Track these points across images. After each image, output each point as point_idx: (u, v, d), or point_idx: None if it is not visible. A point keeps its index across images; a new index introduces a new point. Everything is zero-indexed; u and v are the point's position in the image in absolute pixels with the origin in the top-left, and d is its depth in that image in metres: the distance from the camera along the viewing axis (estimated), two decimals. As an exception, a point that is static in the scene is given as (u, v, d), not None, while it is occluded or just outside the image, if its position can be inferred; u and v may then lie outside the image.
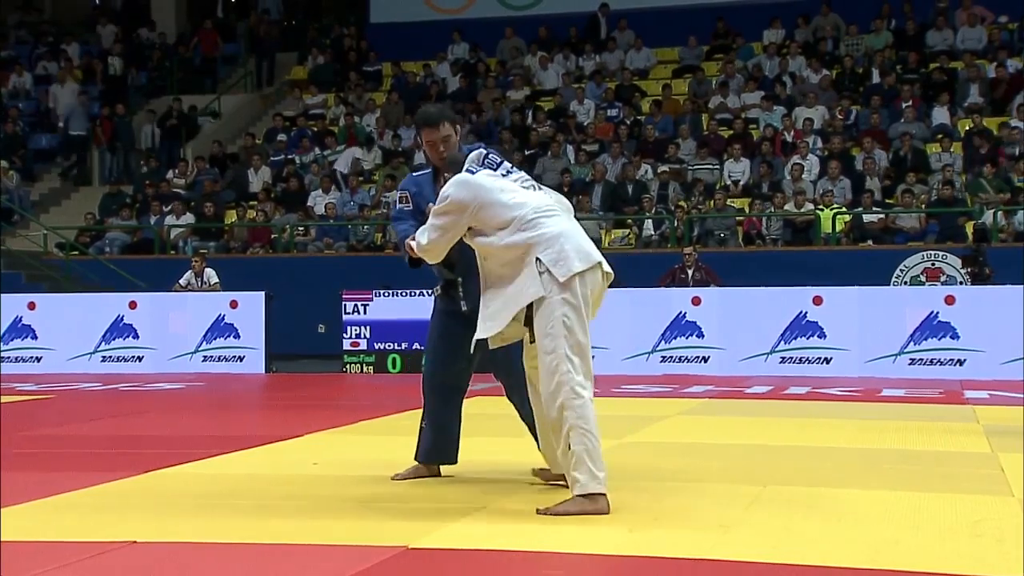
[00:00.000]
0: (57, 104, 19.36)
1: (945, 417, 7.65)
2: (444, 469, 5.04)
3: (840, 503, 4.41)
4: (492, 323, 4.29)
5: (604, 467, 4.18)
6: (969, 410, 8.04)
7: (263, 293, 12.72)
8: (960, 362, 10.93)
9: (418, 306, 11.86)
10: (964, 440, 6.37)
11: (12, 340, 12.99)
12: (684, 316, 11.62)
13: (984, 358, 10.79)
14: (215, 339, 12.65)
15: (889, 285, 12.81)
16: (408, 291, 12.02)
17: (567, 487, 4.29)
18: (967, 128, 15.74)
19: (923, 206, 14.44)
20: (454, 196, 4.35)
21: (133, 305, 12.86)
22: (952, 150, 15.28)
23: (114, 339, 12.80)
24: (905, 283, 12.95)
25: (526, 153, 16.76)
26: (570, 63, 19.08)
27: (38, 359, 12.89)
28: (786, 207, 14.60)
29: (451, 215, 4.35)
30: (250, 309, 12.62)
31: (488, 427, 6.23)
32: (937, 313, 11.05)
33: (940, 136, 15.61)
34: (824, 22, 18.53)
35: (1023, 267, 11.83)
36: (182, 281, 13.25)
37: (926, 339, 11.05)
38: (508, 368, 4.70)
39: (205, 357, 12.65)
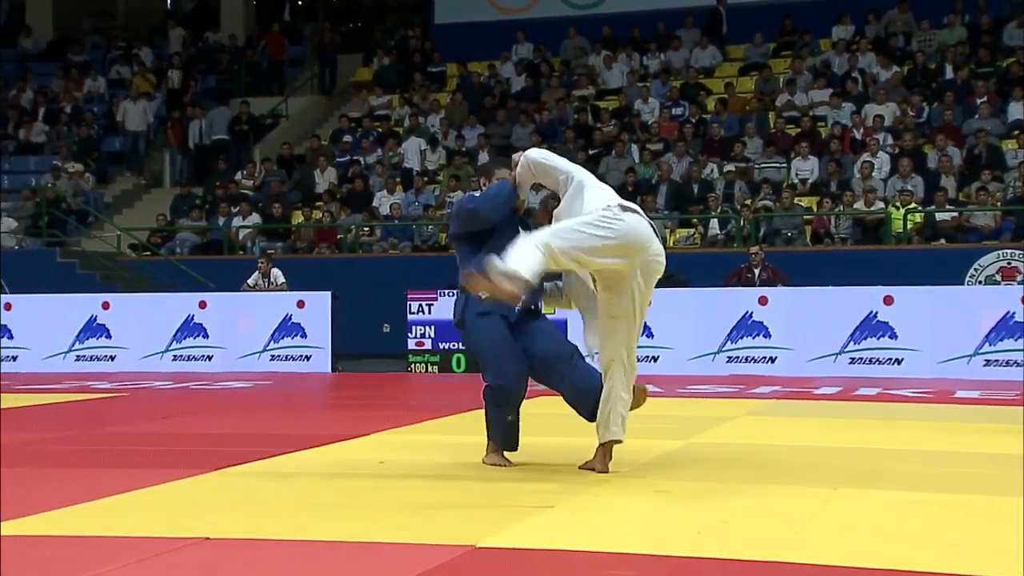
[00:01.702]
0: (125, 119, 19.62)
1: (1021, 420, 7.45)
2: (515, 468, 5.24)
3: (912, 506, 4.32)
4: None
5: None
6: (1047, 413, 7.82)
7: (329, 293, 12.84)
8: (1038, 363, 10.66)
9: (483, 306, 11.89)
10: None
11: (87, 339, 13.28)
12: (751, 316, 11.49)
13: (1062, 359, 10.51)
14: (282, 338, 12.81)
15: (963, 285, 12.53)
16: (473, 291, 12.04)
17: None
18: (1045, 124, 15.35)
19: (998, 204, 14.10)
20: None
21: (203, 305, 13.08)
22: (1029, 146, 14.91)
23: (185, 338, 13.02)
24: (980, 283, 12.66)
25: (590, 153, 16.71)
26: (634, 62, 18.98)
27: (112, 358, 13.16)
28: (855, 206, 14.36)
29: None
30: (316, 309, 12.75)
31: (555, 427, 6.22)
32: (1013, 313, 10.78)
33: (1016, 132, 15.23)
34: (895, 17, 18.19)
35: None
36: (250, 281, 13.43)
37: (1002, 340, 10.78)
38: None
39: (273, 356, 12.81)
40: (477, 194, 5.41)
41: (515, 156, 5.25)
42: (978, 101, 15.77)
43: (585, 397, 5.12)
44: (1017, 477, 5.12)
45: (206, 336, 12.97)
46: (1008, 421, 7.39)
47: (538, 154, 5.17)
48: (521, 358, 5.17)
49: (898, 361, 11.04)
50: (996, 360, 10.79)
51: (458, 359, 12.16)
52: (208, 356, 12.93)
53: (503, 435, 5.28)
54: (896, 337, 11.07)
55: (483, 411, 5.34)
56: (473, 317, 5.20)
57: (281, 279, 13.41)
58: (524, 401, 5.32)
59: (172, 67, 20.86)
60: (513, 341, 5.17)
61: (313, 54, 21.64)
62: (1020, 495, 4.58)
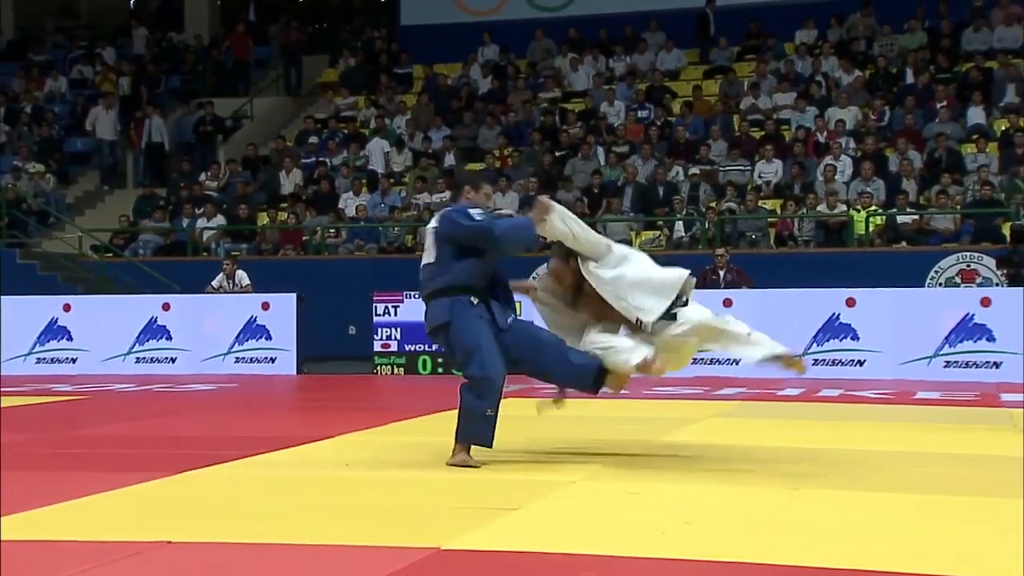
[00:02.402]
0: (96, 127, 19.26)
1: (981, 420, 7.57)
2: (480, 470, 5.23)
3: (874, 506, 4.37)
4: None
5: None
6: (1005, 413, 7.95)
7: (294, 295, 12.79)
8: (996, 364, 10.80)
9: (449, 308, 11.88)
10: (999, 444, 6.30)
11: (48, 341, 13.13)
12: (715, 318, 11.54)
13: (1021, 360, 10.64)
14: (247, 340, 12.74)
15: (924, 287, 12.69)
16: (439, 293, 12.03)
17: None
18: (1003, 128, 15.57)
19: (958, 207, 14.30)
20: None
21: (166, 307, 12.98)
22: (988, 151, 15.12)
23: (148, 340, 12.91)
24: (940, 285, 12.82)
25: (556, 155, 16.76)
26: (600, 64, 19.05)
27: (73, 360, 13.02)
28: (819, 208, 14.49)
29: None
30: (281, 311, 12.70)
31: (522, 429, 6.23)
32: (973, 315, 10.93)
33: (975, 136, 15.45)
34: (859, 22, 18.37)
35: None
36: (214, 283, 13.34)
37: (961, 341, 10.93)
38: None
39: (237, 358, 12.73)
40: (498, 217, 5.52)
41: (542, 202, 5.33)
42: (938, 106, 15.97)
43: (584, 372, 5.34)
44: (976, 477, 5.20)
45: (169, 338, 12.87)
46: (968, 421, 7.49)
47: (580, 234, 5.32)
48: (503, 358, 5.29)
49: (860, 362, 11.15)
50: (956, 361, 10.93)
51: (424, 361, 12.14)
52: (172, 358, 12.82)
53: (480, 429, 5.29)
54: (858, 339, 11.18)
55: (455, 411, 5.34)
56: (462, 313, 5.27)
57: (246, 281, 13.33)
58: None
59: (122, 74, 20.59)
60: (496, 342, 5.29)
61: (279, 54, 21.53)
62: (981, 495, 4.65)
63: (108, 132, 19.19)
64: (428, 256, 5.42)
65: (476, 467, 5.24)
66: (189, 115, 19.31)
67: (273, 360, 12.64)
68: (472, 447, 5.33)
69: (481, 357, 5.22)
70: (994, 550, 3.65)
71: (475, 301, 5.31)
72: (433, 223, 5.48)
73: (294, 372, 12.55)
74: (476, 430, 5.30)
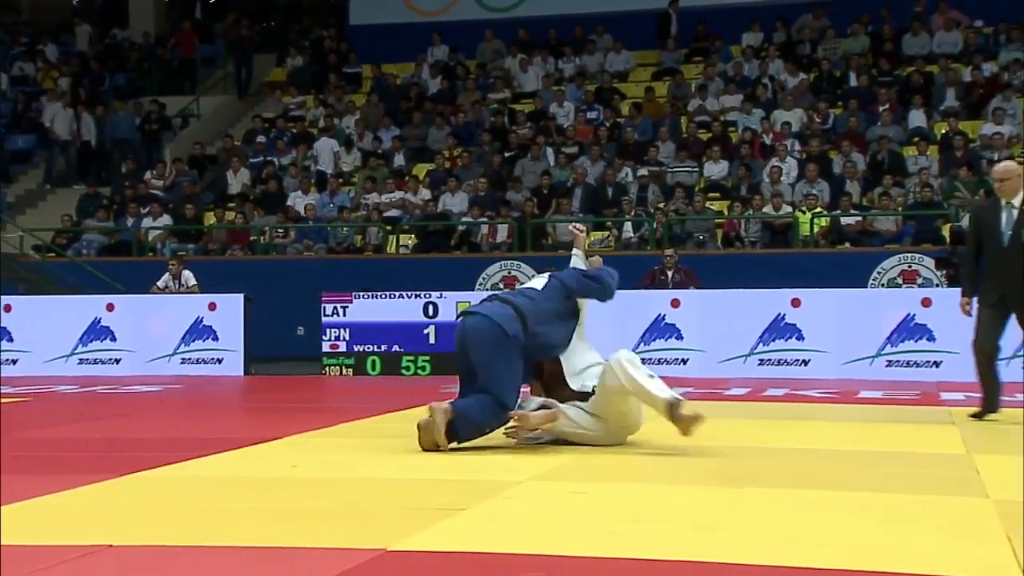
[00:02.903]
0: (53, 123, 18.77)
1: (921, 418, 7.70)
2: (428, 471, 5.24)
3: (819, 505, 4.43)
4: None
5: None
6: (945, 411, 8.10)
7: (242, 295, 12.69)
8: (936, 363, 11.01)
9: (397, 308, 11.87)
10: (940, 441, 6.42)
11: (-12, 343, 12.90)
12: (663, 318, 11.66)
13: (960, 360, 10.76)
14: (193, 341, 12.61)
15: (866, 287, 12.89)
16: (387, 293, 12.00)
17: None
18: (943, 131, 15.87)
19: (900, 208, 14.56)
20: None
21: (111, 307, 12.81)
22: (928, 153, 15.41)
23: (91, 341, 12.73)
24: (882, 285, 13.04)
25: (506, 155, 16.79)
26: (550, 65, 19.11)
27: (14, 362, 12.79)
28: (764, 210, 14.67)
29: None
30: (229, 311, 12.59)
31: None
32: (914, 315, 11.13)
33: (916, 139, 15.74)
34: (809, 24, 18.61)
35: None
36: (160, 283, 13.19)
37: (903, 341, 11.13)
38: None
39: (183, 359, 12.60)
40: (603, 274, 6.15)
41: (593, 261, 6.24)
42: (881, 109, 16.25)
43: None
44: (921, 474, 5.29)
45: (114, 339, 12.70)
46: (910, 420, 7.62)
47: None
48: None
49: (805, 362, 11.31)
50: (897, 361, 11.12)
51: (373, 361, 12.09)
52: (116, 359, 12.66)
53: (466, 430, 5.61)
54: (803, 339, 11.34)
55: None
56: (537, 352, 5.77)
57: (192, 281, 13.19)
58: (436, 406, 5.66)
59: (61, 75, 20.24)
60: None
61: (226, 53, 21.33)
62: (928, 493, 4.73)
63: (64, 131, 18.84)
64: (537, 283, 6.01)
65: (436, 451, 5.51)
66: (124, 112, 18.98)
67: (220, 361, 12.53)
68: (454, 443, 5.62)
69: (514, 391, 5.72)
70: (947, 547, 3.72)
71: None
72: (556, 273, 6.12)
73: (241, 373, 12.45)
74: (464, 429, 5.61)
